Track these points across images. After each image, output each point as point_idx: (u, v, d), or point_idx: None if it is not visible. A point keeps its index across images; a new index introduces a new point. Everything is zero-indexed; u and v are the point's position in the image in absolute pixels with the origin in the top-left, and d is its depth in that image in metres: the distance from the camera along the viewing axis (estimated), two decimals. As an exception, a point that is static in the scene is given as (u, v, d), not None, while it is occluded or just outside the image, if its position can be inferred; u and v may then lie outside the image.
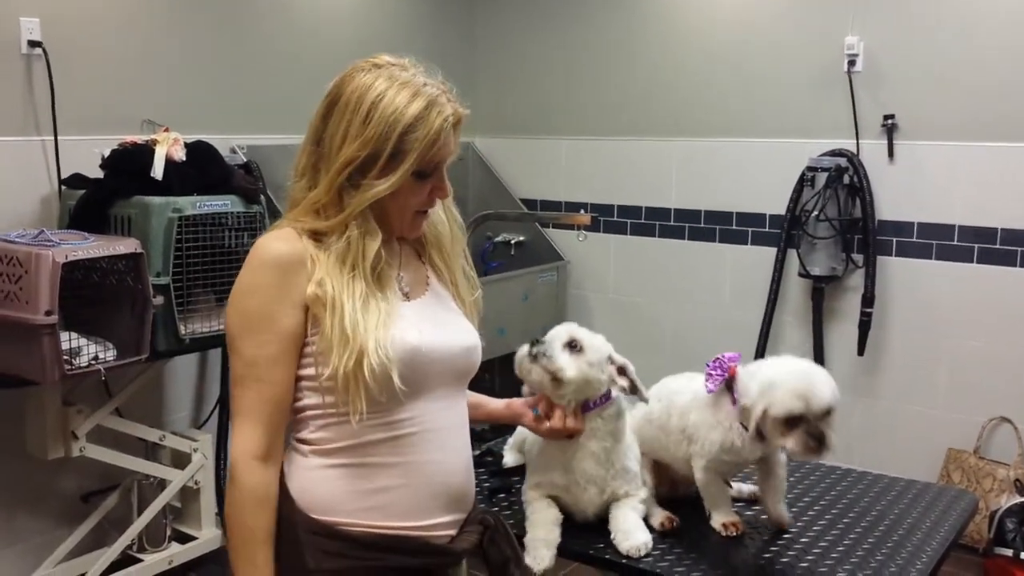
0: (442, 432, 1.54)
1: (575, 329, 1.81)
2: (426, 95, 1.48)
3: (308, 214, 1.50)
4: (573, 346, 1.78)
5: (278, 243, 1.47)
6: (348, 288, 1.45)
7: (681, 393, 1.89)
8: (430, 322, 1.54)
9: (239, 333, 1.46)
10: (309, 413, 1.50)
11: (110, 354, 2.69)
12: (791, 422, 1.66)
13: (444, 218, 1.65)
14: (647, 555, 1.75)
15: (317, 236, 1.48)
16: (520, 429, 2.03)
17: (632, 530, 1.79)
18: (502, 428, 2.13)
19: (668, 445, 1.89)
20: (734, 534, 1.82)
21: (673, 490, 1.96)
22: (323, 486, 1.48)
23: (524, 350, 1.80)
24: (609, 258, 4.45)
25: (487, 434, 2.31)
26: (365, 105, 1.46)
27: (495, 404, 1.88)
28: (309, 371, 1.48)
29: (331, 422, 1.48)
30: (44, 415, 2.81)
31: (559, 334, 1.80)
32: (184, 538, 3.25)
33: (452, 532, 1.55)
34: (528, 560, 1.76)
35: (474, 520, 1.60)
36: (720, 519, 1.84)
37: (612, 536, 1.80)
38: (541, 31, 4.54)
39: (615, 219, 4.43)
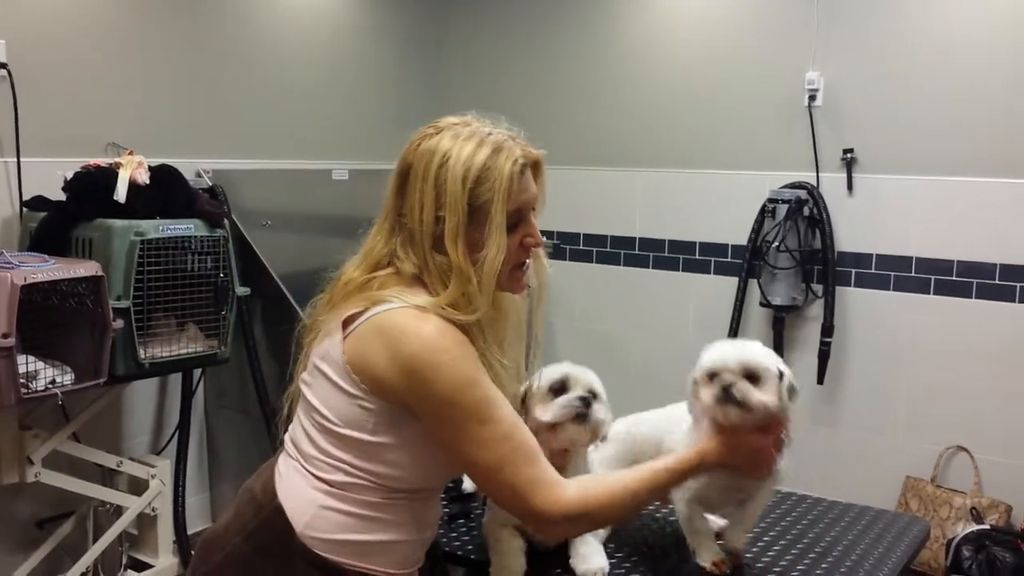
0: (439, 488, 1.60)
1: (596, 381, 1.75)
2: (491, 143, 1.47)
3: (449, 301, 1.43)
4: (595, 397, 1.74)
5: (447, 328, 1.41)
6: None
7: (665, 423, 1.85)
8: None
9: (474, 425, 1.40)
10: (348, 470, 1.46)
11: (68, 378, 2.66)
12: (711, 379, 1.62)
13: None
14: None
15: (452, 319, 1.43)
16: None
17: (590, 554, 1.78)
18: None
19: None
20: (719, 572, 1.75)
21: None
22: (329, 527, 1.46)
23: (571, 410, 1.71)
24: (575, 286, 4.48)
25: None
26: (434, 168, 1.44)
27: None
28: (381, 439, 1.44)
29: (366, 485, 1.46)
30: (-1, 439, 2.77)
31: (583, 383, 1.74)
32: (140, 566, 3.20)
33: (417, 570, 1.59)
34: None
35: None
36: (709, 557, 1.77)
37: (570, 560, 1.79)
38: (508, 63, 4.59)
39: (581, 247, 4.47)
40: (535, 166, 1.52)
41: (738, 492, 1.75)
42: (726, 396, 1.59)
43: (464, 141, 1.46)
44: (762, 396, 1.57)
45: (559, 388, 1.72)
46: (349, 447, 1.46)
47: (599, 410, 1.71)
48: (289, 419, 1.58)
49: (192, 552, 3.23)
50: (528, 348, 1.66)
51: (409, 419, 1.44)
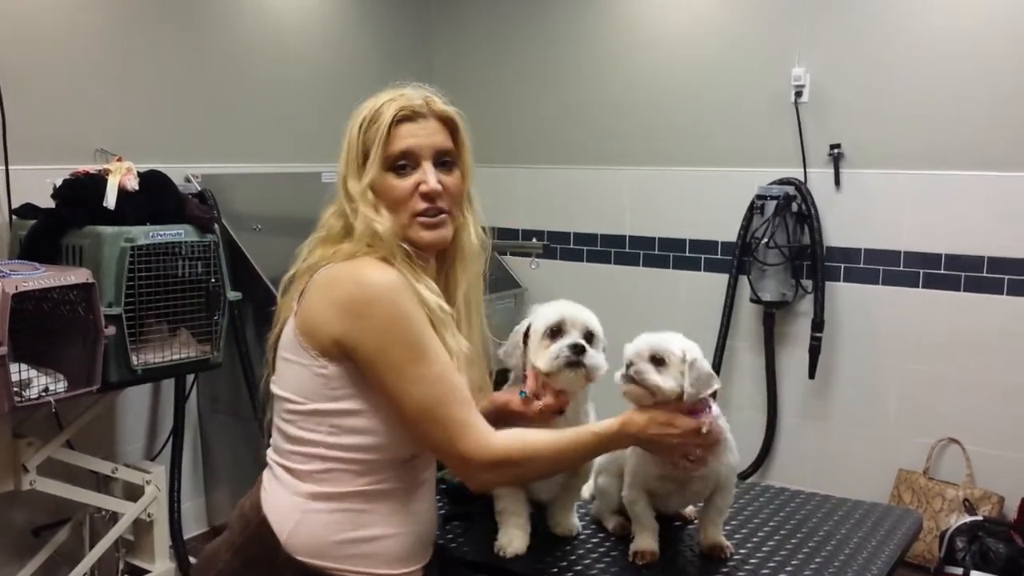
0: (432, 479, 1.59)
1: (592, 321, 1.78)
2: (390, 94, 1.56)
3: (361, 243, 1.52)
4: (592, 338, 1.75)
5: (384, 269, 1.48)
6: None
7: None
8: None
9: (410, 361, 1.44)
10: (323, 453, 1.47)
11: (61, 385, 2.66)
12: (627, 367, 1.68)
13: (464, 242, 1.65)
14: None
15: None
16: None
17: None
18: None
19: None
20: (641, 563, 1.79)
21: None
22: (316, 530, 1.47)
23: (564, 359, 1.71)
24: (565, 285, 4.49)
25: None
26: (349, 123, 1.57)
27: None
28: (344, 405, 1.47)
29: (344, 468, 1.47)
30: (-7, 448, 2.77)
31: (580, 324, 1.76)
32: (137, 572, 3.20)
33: (422, 572, 1.58)
34: (502, 541, 1.80)
35: (435, 554, 1.64)
36: (636, 545, 1.81)
37: (548, 518, 1.91)
38: (497, 62, 4.60)
39: (571, 246, 4.48)
40: (448, 122, 1.61)
41: (681, 484, 1.78)
42: (627, 376, 1.65)
43: (375, 97, 1.58)
44: (657, 377, 1.62)
45: (556, 330, 1.72)
46: (319, 425, 1.48)
47: (592, 355, 1.70)
48: (271, 423, 1.59)
49: (189, 559, 3.25)
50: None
51: (358, 378, 1.47)
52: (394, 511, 1.50)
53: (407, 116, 1.57)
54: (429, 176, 1.56)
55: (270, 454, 1.56)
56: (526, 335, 1.78)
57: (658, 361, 1.65)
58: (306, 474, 1.48)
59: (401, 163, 1.54)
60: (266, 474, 1.56)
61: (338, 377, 1.46)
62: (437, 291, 1.55)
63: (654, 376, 1.62)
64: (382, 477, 1.48)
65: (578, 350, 1.68)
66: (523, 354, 1.78)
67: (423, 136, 1.56)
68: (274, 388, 1.54)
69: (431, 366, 1.44)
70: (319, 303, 1.47)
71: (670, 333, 1.72)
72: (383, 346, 1.43)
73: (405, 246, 1.54)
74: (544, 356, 1.69)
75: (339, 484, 1.47)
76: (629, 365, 1.66)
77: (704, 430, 1.62)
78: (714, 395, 1.69)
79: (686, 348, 1.66)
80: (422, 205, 1.56)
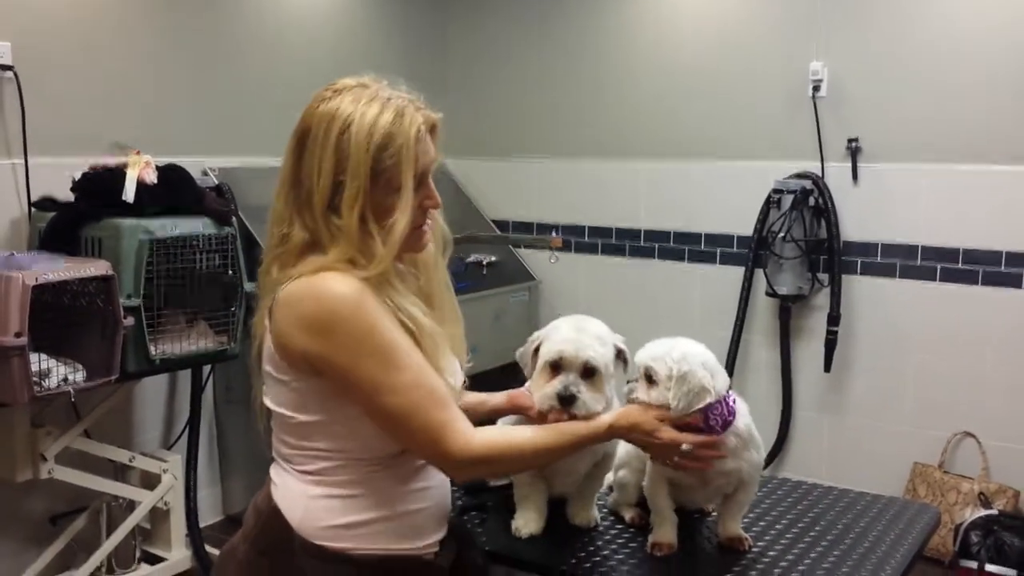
0: None
1: (595, 354, 1.73)
2: (393, 107, 1.46)
3: (343, 261, 1.44)
4: (593, 374, 1.73)
5: (344, 281, 1.42)
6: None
7: None
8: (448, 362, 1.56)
9: (383, 372, 1.41)
10: (320, 455, 1.49)
11: (79, 376, 2.69)
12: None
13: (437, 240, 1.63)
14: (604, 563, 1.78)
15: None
16: (505, 421, 1.98)
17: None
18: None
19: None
20: (659, 554, 1.81)
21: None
22: (323, 514, 1.48)
23: (553, 402, 1.72)
24: (580, 278, 4.49)
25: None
26: (334, 134, 1.43)
27: (497, 399, 1.87)
28: (328, 415, 1.46)
29: (342, 464, 1.48)
30: (13, 437, 2.79)
31: (577, 364, 1.73)
32: (154, 559, 3.23)
33: (436, 548, 1.59)
34: (518, 523, 1.86)
35: (450, 532, 1.64)
36: (654, 536, 1.83)
37: (568, 508, 1.94)
38: (513, 54, 4.60)
39: (586, 239, 4.48)
40: (432, 129, 1.52)
41: (703, 479, 1.79)
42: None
43: (366, 105, 1.45)
44: (644, 396, 1.71)
45: (555, 366, 1.72)
46: (311, 433, 1.49)
47: (582, 403, 1.67)
48: (269, 430, 1.60)
49: (205, 548, 3.27)
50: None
51: (330, 392, 1.45)
52: (400, 494, 1.51)
53: (429, 128, 1.51)
54: (434, 192, 1.54)
55: (275, 454, 1.59)
56: (536, 350, 1.78)
57: (649, 377, 1.70)
58: (307, 472, 1.50)
59: (418, 184, 1.49)
60: (273, 469, 1.58)
61: (318, 391, 1.46)
62: (421, 305, 1.52)
63: (641, 395, 1.70)
64: (379, 468, 1.50)
65: (567, 401, 1.68)
66: (532, 369, 1.79)
67: (434, 149, 1.52)
68: (266, 400, 1.55)
69: (404, 373, 1.42)
70: (285, 321, 1.44)
71: (679, 340, 1.75)
72: (353, 361, 1.41)
73: (398, 265, 1.53)
74: (538, 394, 1.72)
75: (336, 475, 1.49)
76: (628, 382, 1.73)
77: (684, 447, 1.66)
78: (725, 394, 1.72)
79: (678, 361, 1.68)
80: (425, 219, 1.54)
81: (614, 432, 1.66)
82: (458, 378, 1.60)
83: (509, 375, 1.94)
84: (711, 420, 1.71)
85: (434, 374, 1.47)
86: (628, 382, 1.74)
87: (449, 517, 1.65)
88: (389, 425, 1.45)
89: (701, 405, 1.68)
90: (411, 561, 1.53)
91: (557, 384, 1.69)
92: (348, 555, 1.48)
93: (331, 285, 1.41)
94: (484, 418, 1.86)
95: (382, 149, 1.43)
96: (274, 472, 1.57)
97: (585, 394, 1.69)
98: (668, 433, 1.65)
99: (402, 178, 1.45)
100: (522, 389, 1.87)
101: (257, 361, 1.56)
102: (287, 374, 1.47)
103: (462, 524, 1.77)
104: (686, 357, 1.70)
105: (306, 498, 1.49)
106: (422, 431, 1.44)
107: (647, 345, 1.77)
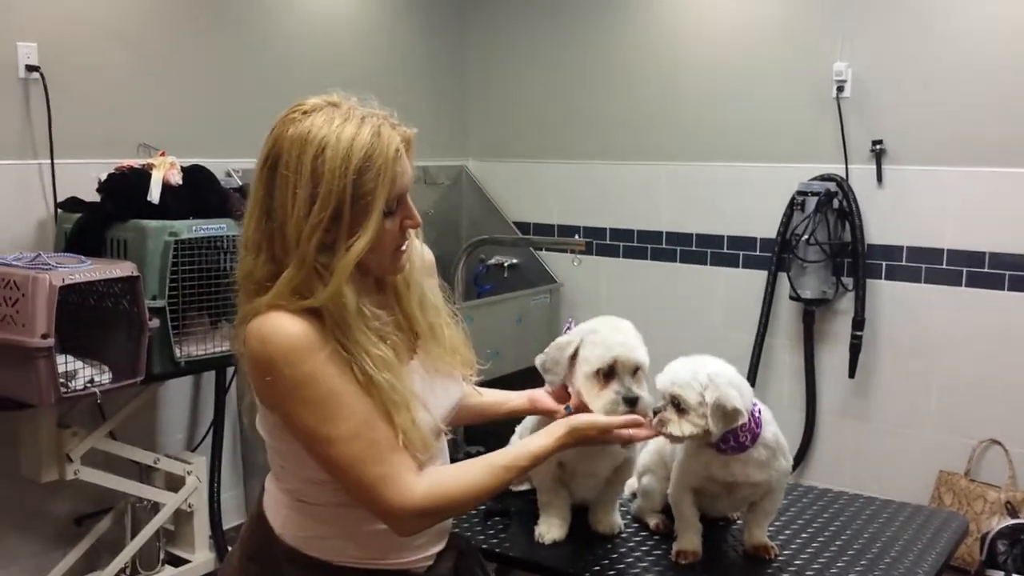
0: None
1: (642, 355, 1.73)
2: (369, 127, 1.37)
3: (287, 297, 1.36)
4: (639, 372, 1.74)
5: (291, 324, 1.34)
6: (371, 365, 1.37)
7: None
8: (429, 389, 1.50)
9: (320, 422, 1.35)
10: (297, 476, 1.46)
11: (105, 377, 2.70)
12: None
13: (414, 259, 1.54)
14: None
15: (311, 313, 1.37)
16: (528, 421, 1.98)
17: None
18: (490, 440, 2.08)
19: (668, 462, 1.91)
20: (684, 562, 1.80)
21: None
22: (311, 526, 1.47)
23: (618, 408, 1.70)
24: (601, 281, 4.48)
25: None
26: (308, 159, 1.35)
27: (516, 400, 1.84)
28: (296, 445, 1.41)
29: (320, 488, 1.45)
30: (39, 438, 2.81)
31: (630, 366, 1.73)
32: (178, 561, 3.24)
33: (430, 562, 1.56)
34: (541, 529, 1.88)
35: (449, 545, 1.61)
36: (679, 544, 1.82)
37: (590, 515, 1.94)
38: (534, 55, 4.59)
39: (607, 242, 4.47)
40: (408, 145, 1.42)
41: (729, 488, 1.79)
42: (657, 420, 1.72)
43: (340, 126, 1.36)
44: (676, 429, 1.70)
45: (608, 372, 1.70)
46: (286, 459, 1.47)
47: (643, 404, 1.68)
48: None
49: (228, 549, 3.29)
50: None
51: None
52: (360, 515, 1.46)
53: (405, 144, 1.42)
54: (413, 211, 1.45)
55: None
56: (574, 355, 1.75)
57: (677, 405, 1.68)
58: (290, 489, 1.49)
59: (393, 207, 1.41)
60: (269, 475, 1.58)
61: (277, 425, 1.43)
62: (384, 349, 1.41)
63: (674, 429, 1.68)
64: (337, 495, 1.45)
65: (633, 403, 1.67)
66: (567, 372, 1.76)
67: (410, 171, 1.43)
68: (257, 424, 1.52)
69: (343, 424, 1.35)
70: (245, 357, 1.40)
71: (700, 361, 1.73)
72: (291, 408, 1.36)
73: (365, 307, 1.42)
74: (599, 403, 1.67)
75: (316, 503, 1.47)
76: (656, 411, 1.70)
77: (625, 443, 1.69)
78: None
79: (706, 386, 1.66)
80: (404, 240, 1.46)
81: (564, 445, 1.57)
82: (448, 399, 1.55)
83: (530, 379, 1.92)
84: (740, 437, 1.70)
85: (380, 424, 1.38)
86: (655, 411, 1.70)
87: (451, 530, 1.63)
88: (331, 473, 1.40)
89: (734, 426, 1.68)
90: (397, 573, 1.51)
91: (619, 388, 1.68)
92: (330, 564, 1.46)
93: (277, 328, 1.34)
94: (503, 419, 1.86)
95: (362, 172, 1.35)
96: (268, 478, 1.57)
97: (644, 394, 1.69)
98: (617, 436, 1.62)
99: (374, 201, 1.36)
100: (541, 390, 1.85)
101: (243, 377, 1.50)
102: (260, 406, 1.44)
103: (464, 537, 1.75)
104: (714, 381, 1.68)
105: (284, 507, 1.49)
106: (358, 485, 1.38)
107: (668, 368, 1.74)
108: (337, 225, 1.36)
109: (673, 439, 1.71)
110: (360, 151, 1.35)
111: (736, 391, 1.69)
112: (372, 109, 1.42)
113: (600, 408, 1.66)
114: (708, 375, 1.69)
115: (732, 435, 1.70)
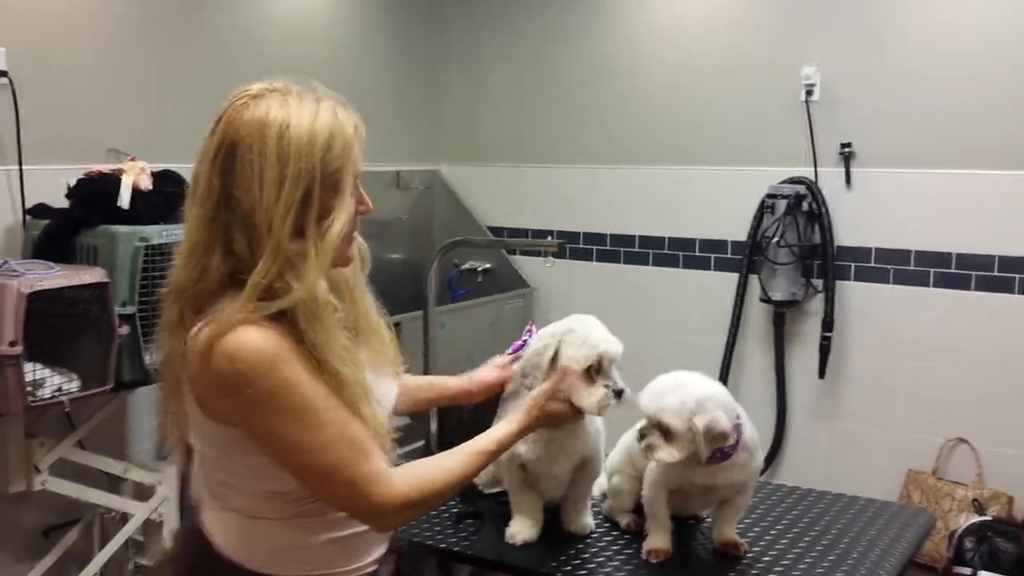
0: None
1: (617, 349, 1.79)
2: (326, 107, 1.37)
3: (255, 300, 1.29)
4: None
5: (258, 336, 1.28)
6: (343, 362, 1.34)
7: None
8: (375, 386, 1.44)
9: (303, 431, 1.31)
10: (263, 491, 1.39)
11: (74, 385, 2.67)
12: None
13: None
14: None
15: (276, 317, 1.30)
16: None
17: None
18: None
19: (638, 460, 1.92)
20: (655, 560, 1.82)
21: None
22: (257, 541, 1.41)
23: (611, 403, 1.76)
24: (575, 284, 4.49)
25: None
26: (272, 140, 1.31)
27: (455, 384, 1.86)
28: (252, 455, 1.34)
29: (277, 497, 1.39)
30: (6, 448, 2.77)
31: (616, 360, 1.79)
32: (147, 572, 3.20)
33: (375, 567, 1.51)
34: (512, 530, 1.89)
35: (391, 549, 1.56)
36: (649, 544, 1.84)
37: (562, 516, 1.95)
38: (506, 60, 4.60)
39: (581, 246, 4.48)
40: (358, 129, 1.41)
41: (707, 488, 1.81)
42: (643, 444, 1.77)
43: (297, 107, 1.34)
44: (665, 455, 1.74)
45: (596, 368, 1.74)
46: (231, 471, 1.41)
47: (628, 395, 1.74)
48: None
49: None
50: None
51: (250, 444, 1.35)
52: (335, 517, 1.42)
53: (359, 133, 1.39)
54: (366, 197, 1.43)
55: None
56: (552, 360, 1.78)
57: (664, 430, 1.71)
58: (237, 507, 1.42)
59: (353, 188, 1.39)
60: (201, 510, 1.50)
61: (235, 440, 1.34)
62: (347, 342, 1.38)
63: (664, 456, 1.72)
64: (305, 501, 1.40)
65: (620, 394, 1.73)
66: (544, 375, 1.78)
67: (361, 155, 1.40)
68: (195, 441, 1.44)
69: (326, 428, 1.32)
70: (199, 377, 1.31)
71: (684, 380, 1.76)
72: (271, 423, 1.30)
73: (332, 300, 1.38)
74: (591, 400, 1.72)
75: (273, 508, 1.40)
76: (642, 435, 1.76)
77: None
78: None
79: (695, 412, 1.68)
80: (356, 227, 1.43)
81: (524, 431, 1.65)
82: (389, 399, 1.52)
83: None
84: (727, 450, 1.72)
85: (354, 422, 1.35)
86: (640, 433, 1.76)
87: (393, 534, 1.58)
88: (310, 482, 1.36)
89: (721, 445, 1.71)
90: None
91: (608, 382, 1.73)
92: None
93: (244, 342, 1.27)
94: (447, 404, 1.89)
95: (327, 150, 1.32)
96: (203, 510, 1.47)
97: (627, 391, 1.74)
98: (555, 406, 1.69)
99: (344, 178, 1.34)
100: (485, 368, 1.90)
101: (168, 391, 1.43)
102: (204, 422, 1.36)
103: (406, 538, 1.75)
104: (703, 405, 1.69)
105: (234, 525, 1.41)
106: (345, 486, 1.35)
107: (651, 389, 1.77)
108: (307, 206, 1.31)
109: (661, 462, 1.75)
110: (324, 129, 1.33)
111: (723, 411, 1.70)
112: (324, 91, 1.41)
113: (593, 405, 1.71)
114: (696, 401, 1.70)
115: (718, 449, 1.72)
